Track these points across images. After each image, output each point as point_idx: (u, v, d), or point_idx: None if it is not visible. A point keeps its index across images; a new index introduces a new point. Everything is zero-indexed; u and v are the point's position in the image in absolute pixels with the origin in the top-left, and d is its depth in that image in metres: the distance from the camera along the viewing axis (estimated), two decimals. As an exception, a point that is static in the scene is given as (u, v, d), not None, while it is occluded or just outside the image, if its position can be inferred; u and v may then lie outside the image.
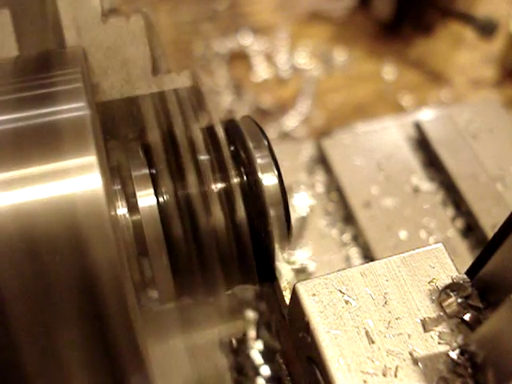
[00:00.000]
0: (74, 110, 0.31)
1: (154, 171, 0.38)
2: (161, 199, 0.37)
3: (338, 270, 0.36)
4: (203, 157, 0.38)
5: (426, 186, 0.63)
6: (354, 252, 0.59)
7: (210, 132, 0.40)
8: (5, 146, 0.29)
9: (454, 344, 0.32)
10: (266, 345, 0.52)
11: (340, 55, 0.88)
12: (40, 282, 0.27)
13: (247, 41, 0.88)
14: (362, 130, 0.71)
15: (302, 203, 0.40)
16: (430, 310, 0.34)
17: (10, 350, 0.28)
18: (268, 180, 0.38)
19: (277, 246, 0.39)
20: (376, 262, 0.36)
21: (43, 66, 0.35)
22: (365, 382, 0.31)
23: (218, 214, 0.37)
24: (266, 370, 0.51)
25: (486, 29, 0.82)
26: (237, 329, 0.50)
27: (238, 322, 0.50)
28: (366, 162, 0.65)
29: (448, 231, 0.59)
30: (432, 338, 0.33)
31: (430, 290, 0.35)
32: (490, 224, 0.58)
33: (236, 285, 0.41)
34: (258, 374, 0.51)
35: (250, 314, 0.53)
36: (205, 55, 0.86)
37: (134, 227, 0.37)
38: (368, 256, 0.58)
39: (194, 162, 0.38)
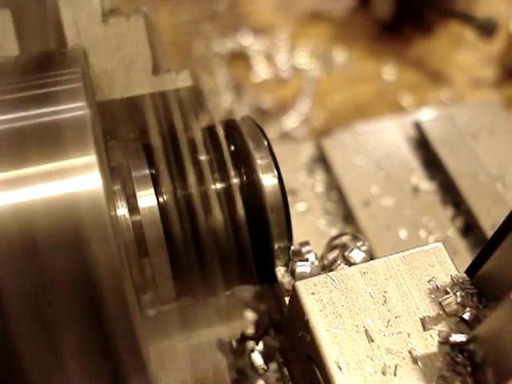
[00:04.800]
0: (74, 109, 0.31)
1: (154, 171, 0.38)
2: (161, 199, 0.37)
3: (338, 269, 0.36)
4: (203, 157, 0.39)
5: (426, 185, 0.63)
6: (354, 251, 0.59)
7: (210, 132, 0.40)
8: (5, 146, 0.29)
9: (454, 343, 0.32)
10: (265, 345, 0.52)
11: (340, 55, 0.88)
12: (40, 281, 0.27)
13: (247, 41, 0.88)
14: (362, 129, 0.71)
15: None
16: (429, 309, 0.34)
17: (9, 350, 0.28)
18: (268, 180, 0.38)
19: (276, 246, 0.39)
20: (375, 261, 0.36)
21: (43, 65, 0.35)
22: (364, 380, 0.31)
23: (217, 215, 0.37)
24: (265, 370, 0.51)
25: (486, 29, 0.82)
26: (236, 329, 0.50)
27: (238, 322, 0.50)
28: (365, 161, 0.65)
29: (447, 230, 0.59)
30: (431, 336, 0.33)
31: (429, 288, 0.35)
32: (490, 223, 0.58)
33: (236, 285, 0.41)
34: (257, 373, 0.51)
35: (249, 314, 0.53)
36: (205, 55, 0.86)
37: (134, 227, 0.37)
38: (368, 255, 0.58)
39: (194, 162, 0.38)
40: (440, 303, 0.34)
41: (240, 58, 0.86)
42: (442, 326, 0.33)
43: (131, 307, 0.29)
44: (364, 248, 0.40)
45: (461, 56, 0.90)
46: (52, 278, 0.27)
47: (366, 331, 0.33)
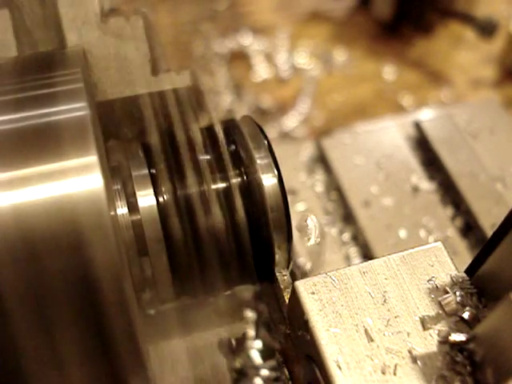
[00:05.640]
0: (74, 110, 0.31)
1: (153, 171, 0.38)
2: (160, 199, 0.37)
3: (338, 269, 0.36)
4: (203, 157, 0.38)
5: (426, 185, 0.63)
6: (354, 251, 0.59)
7: (209, 132, 0.40)
8: (5, 146, 0.29)
9: (453, 342, 0.32)
10: (265, 344, 0.52)
11: (340, 55, 0.88)
12: (40, 281, 0.27)
13: (247, 41, 0.88)
14: (362, 129, 0.71)
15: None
16: (429, 308, 0.34)
17: (10, 350, 0.28)
18: (268, 180, 0.38)
19: (276, 245, 0.39)
20: (375, 261, 0.36)
21: (43, 66, 0.35)
22: (364, 380, 0.31)
23: (217, 214, 0.37)
24: (265, 370, 0.51)
25: (486, 29, 0.82)
26: (236, 329, 0.50)
27: (238, 321, 0.50)
28: (365, 161, 0.65)
29: (447, 230, 0.59)
30: (431, 336, 0.33)
31: (429, 288, 0.35)
32: (490, 223, 0.58)
33: (235, 285, 0.41)
34: (257, 373, 0.51)
35: (249, 314, 0.53)
36: (205, 55, 0.86)
37: (133, 227, 0.37)
38: (367, 255, 0.58)
39: (193, 162, 0.38)
40: (440, 303, 0.34)
41: (240, 57, 0.87)
42: (442, 326, 0.33)
43: (131, 307, 0.29)
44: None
45: (461, 56, 0.90)
46: (52, 278, 0.27)
47: (365, 331, 0.33)
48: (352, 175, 0.63)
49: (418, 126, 0.69)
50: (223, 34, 0.89)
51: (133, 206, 0.37)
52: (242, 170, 0.39)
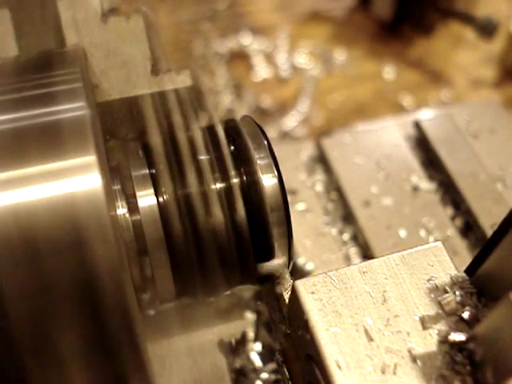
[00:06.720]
0: (73, 109, 0.31)
1: (153, 171, 0.38)
2: (161, 199, 0.37)
3: (337, 268, 0.36)
4: (203, 157, 0.38)
5: (426, 185, 0.63)
6: (354, 251, 0.59)
7: (209, 132, 0.40)
8: (5, 146, 0.29)
9: (453, 342, 0.32)
10: (264, 345, 0.52)
11: (340, 55, 0.88)
12: (40, 281, 0.27)
13: (247, 41, 0.89)
14: (362, 129, 0.71)
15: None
16: (428, 308, 0.34)
17: (9, 351, 0.28)
18: (268, 180, 0.38)
19: (277, 245, 0.39)
20: (375, 260, 0.36)
21: (43, 65, 0.35)
22: (364, 379, 0.31)
23: (217, 214, 0.37)
24: (265, 370, 0.51)
25: (486, 29, 0.82)
26: (236, 329, 0.50)
27: (238, 322, 0.50)
28: (365, 161, 0.65)
29: (447, 230, 0.59)
30: (431, 335, 0.33)
31: (428, 287, 0.35)
32: (490, 223, 0.58)
33: (236, 285, 0.41)
34: (257, 374, 0.51)
35: (249, 315, 0.53)
36: (205, 55, 0.86)
37: (134, 227, 0.37)
38: (367, 255, 0.58)
39: (193, 162, 0.38)
40: (439, 302, 0.34)
41: (240, 57, 0.87)
42: (442, 325, 0.33)
43: (131, 307, 0.29)
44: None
45: (461, 56, 0.90)
46: (52, 278, 0.27)
47: (365, 330, 0.33)
48: (352, 175, 0.63)
49: (417, 125, 0.69)
50: (223, 34, 0.89)
51: (133, 206, 0.37)
52: (242, 170, 0.39)
